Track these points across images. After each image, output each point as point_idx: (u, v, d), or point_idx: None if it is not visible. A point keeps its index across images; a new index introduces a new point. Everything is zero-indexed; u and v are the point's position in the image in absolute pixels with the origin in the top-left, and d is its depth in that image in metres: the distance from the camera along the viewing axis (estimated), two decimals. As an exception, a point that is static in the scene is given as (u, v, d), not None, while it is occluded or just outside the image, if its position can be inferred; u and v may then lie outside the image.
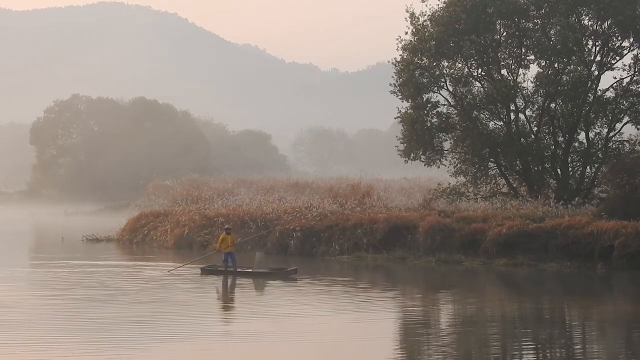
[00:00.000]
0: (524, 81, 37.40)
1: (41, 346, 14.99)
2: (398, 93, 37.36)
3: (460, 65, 37.60)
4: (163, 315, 18.97)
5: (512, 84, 36.71)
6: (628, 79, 36.78)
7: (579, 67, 36.11)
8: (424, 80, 36.99)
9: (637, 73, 36.58)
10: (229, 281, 25.51)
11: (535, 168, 37.10)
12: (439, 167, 38.15)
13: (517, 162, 36.85)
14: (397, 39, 37.56)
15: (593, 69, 36.45)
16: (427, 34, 36.71)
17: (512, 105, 37.13)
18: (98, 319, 18.10)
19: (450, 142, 38.59)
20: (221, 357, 14.76)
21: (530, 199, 34.23)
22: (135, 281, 25.18)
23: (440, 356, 14.73)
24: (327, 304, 20.91)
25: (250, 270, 26.33)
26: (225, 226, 29.18)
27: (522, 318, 19.31)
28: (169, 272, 27.26)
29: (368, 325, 17.77)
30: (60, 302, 20.96)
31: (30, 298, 21.78)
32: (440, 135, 37.92)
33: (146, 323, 17.70)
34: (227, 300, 22.69)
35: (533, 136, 37.16)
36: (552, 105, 37.08)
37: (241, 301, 22.57)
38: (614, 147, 36.97)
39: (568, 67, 36.22)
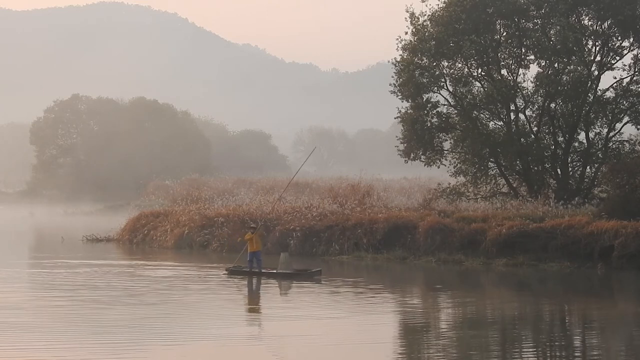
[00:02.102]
0: (524, 81, 37.51)
1: (48, 350, 14.67)
2: (398, 93, 37.39)
3: (460, 65, 37.64)
4: (172, 316, 18.67)
5: (512, 84, 36.73)
6: (628, 79, 36.80)
7: (579, 67, 36.13)
8: (424, 80, 37.03)
9: (637, 73, 36.59)
10: (254, 282, 25.18)
11: (535, 168, 37.10)
12: (439, 167, 38.18)
13: (517, 162, 36.86)
14: (397, 39, 37.66)
15: (593, 69, 36.47)
16: (427, 34, 36.74)
17: (512, 105, 37.15)
18: (108, 321, 17.74)
19: (450, 142, 38.61)
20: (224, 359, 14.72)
21: (530, 199, 34.23)
22: (142, 282, 24.95)
23: (442, 357, 14.72)
24: (341, 305, 20.77)
25: (274, 271, 26.01)
26: (251, 225, 28.74)
27: (522, 318, 19.30)
28: (226, 271, 26.84)
29: (380, 327, 17.69)
30: (66, 303, 20.61)
31: (33, 300, 21.48)
32: (440, 135, 37.96)
33: (156, 324, 17.44)
34: (237, 302, 22.41)
35: (533, 136, 37.17)
36: (552, 105, 37.09)
37: (250, 302, 22.37)
38: (614, 147, 36.98)
39: (568, 67, 36.24)
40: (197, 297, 21.97)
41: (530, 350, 15.42)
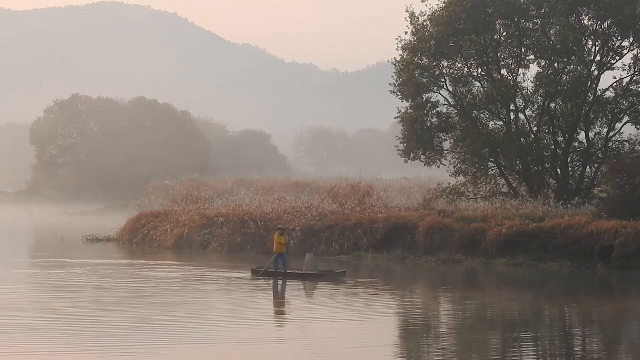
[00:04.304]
0: (524, 81, 37.54)
1: (56, 354, 14.39)
2: (398, 93, 37.42)
3: (460, 65, 37.66)
4: (190, 318, 18.41)
5: (512, 84, 36.74)
6: (628, 79, 36.82)
7: (579, 67, 36.14)
8: (424, 80, 37.05)
9: (637, 73, 36.60)
10: (280, 283, 24.97)
11: (535, 168, 37.11)
12: (439, 167, 38.20)
13: (517, 162, 36.86)
14: (397, 39, 37.69)
15: (593, 69, 36.48)
16: (427, 34, 36.76)
17: (512, 105, 37.16)
18: (113, 322, 17.46)
19: (450, 142, 38.63)
20: None
21: (530, 199, 34.24)
22: (150, 282, 24.72)
23: (441, 357, 14.73)
24: (358, 307, 20.64)
25: (299, 272, 25.80)
26: (278, 226, 28.52)
27: (522, 318, 19.31)
28: (261, 275, 26.11)
29: (399, 328, 17.69)
30: (71, 305, 20.28)
31: (36, 301, 21.13)
32: (440, 135, 37.98)
33: (171, 326, 17.21)
34: (260, 303, 22.02)
35: (533, 136, 37.18)
36: (552, 105, 37.11)
37: (275, 303, 22.21)
38: (614, 147, 37.00)
39: (568, 67, 36.25)
40: (214, 299, 21.67)
41: (530, 349, 15.42)
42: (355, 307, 20.65)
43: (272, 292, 23.86)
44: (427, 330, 17.66)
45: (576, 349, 15.48)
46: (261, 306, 21.27)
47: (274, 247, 26.49)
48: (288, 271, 25.93)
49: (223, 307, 20.29)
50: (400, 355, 14.91)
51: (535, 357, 14.81)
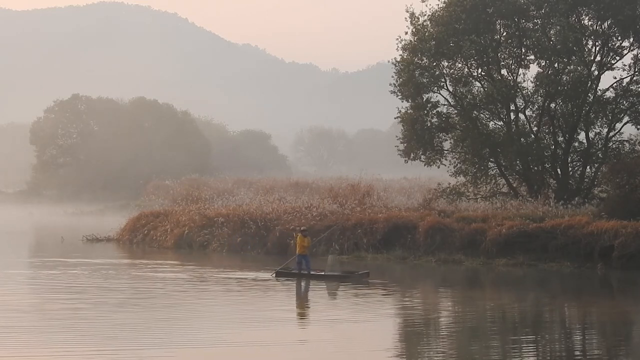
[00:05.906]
0: (524, 81, 37.54)
1: (61, 357, 14.24)
2: (398, 93, 37.42)
3: (460, 65, 37.66)
4: (177, 320, 18.27)
5: (512, 84, 36.74)
6: (628, 79, 36.83)
7: (579, 67, 36.14)
8: (424, 80, 37.06)
9: (637, 73, 36.61)
10: (303, 284, 24.85)
11: (535, 168, 37.12)
12: (439, 167, 38.20)
13: (517, 162, 36.86)
14: (397, 39, 37.70)
15: (593, 69, 36.48)
16: (427, 34, 36.77)
17: (512, 105, 37.17)
18: (117, 324, 17.28)
19: (450, 142, 38.63)
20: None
21: (530, 199, 34.24)
22: (155, 283, 24.61)
23: (440, 357, 14.73)
24: (369, 308, 20.60)
25: (322, 273, 25.70)
26: (302, 228, 28.22)
27: (522, 318, 19.32)
28: (272, 275, 26.14)
29: (414, 329, 17.68)
30: (74, 306, 20.14)
31: (40, 302, 20.97)
32: (440, 135, 37.98)
33: (179, 327, 17.10)
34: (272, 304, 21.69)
35: (533, 136, 37.19)
36: (552, 105, 37.12)
37: (298, 305, 22.10)
38: (614, 147, 37.01)
39: (568, 67, 36.25)
40: (227, 300, 21.58)
41: (530, 349, 15.42)
42: (369, 308, 20.54)
43: (294, 294, 23.80)
44: (436, 330, 17.66)
45: (576, 350, 15.48)
46: (284, 307, 21.07)
47: (297, 249, 26.36)
48: (311, 272, 25.84)
49: (243, 309, 20.06)
50: (420, 357, 14.93)
51: (535, 357, 14.81)
